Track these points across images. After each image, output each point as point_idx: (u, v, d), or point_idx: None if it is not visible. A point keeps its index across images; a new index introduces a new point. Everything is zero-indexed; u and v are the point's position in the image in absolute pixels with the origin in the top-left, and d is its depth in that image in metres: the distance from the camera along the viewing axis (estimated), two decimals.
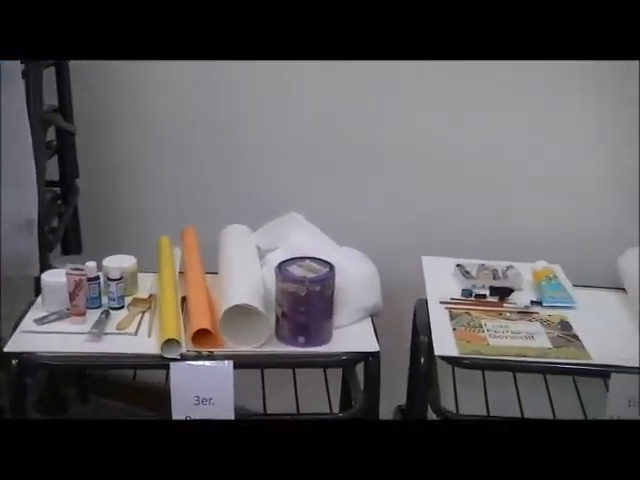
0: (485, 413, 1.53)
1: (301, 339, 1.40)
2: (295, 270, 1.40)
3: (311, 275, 1.38)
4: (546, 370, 1.44)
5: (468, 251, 1.81)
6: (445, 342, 1.45)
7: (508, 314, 1.55)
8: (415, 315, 1.61)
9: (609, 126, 1.81)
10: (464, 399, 1.52)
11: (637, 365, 1.43)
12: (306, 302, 1.37)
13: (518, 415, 1.53)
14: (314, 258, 1.44)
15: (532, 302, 1.60)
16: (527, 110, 1.82)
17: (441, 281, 1.69)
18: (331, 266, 1.41)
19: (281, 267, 1.40)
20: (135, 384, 1.61)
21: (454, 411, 1.48)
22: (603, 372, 1.43)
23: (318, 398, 1.57)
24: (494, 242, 1.88)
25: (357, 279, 1.50)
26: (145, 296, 1.57)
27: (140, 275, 1.62)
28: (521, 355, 1.41)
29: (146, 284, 1.60)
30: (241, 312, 1.35)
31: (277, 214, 1.70)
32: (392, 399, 1.75)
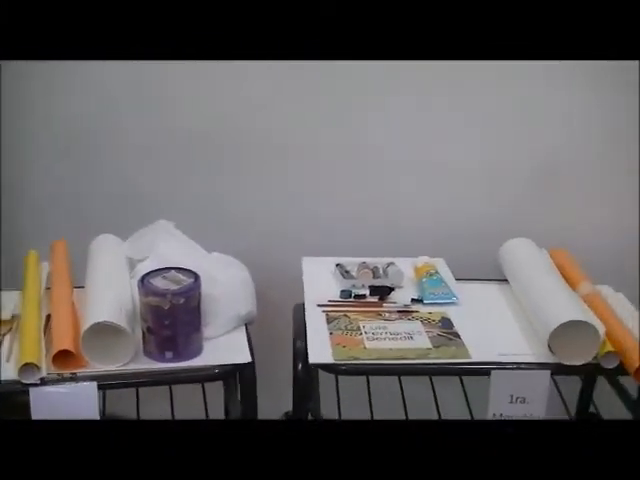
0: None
1: (168, 354, 1.36)
2: (158, 282, 1.35)
3: (174, 287, 1.34)
4: (426, 372, 1.43)
5: (355, 249, 1.80)
6: (320, 348, 1.41)
7: (387, 314, 1.53)
8: (293, 320, 1.56)
9: (491, 125, 1.84)
10: (354, 402, 1.54)
11: (517, 361, 1.44)
12: (171, 316, 1.33)
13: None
14: (179, 268, 1.39)
15: (413, 300, 1.59)
16: (413, 110, 1.81)
17: (321, 283, 1.65)
18: (196, 276, 1.37)
19: (144, 280, 1.36)
20: None
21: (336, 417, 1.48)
22: (483, 370, 1.40)
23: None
24: (382, 238, 1.84)
25: (227, 287, 1.46)
26: (8, 317, 1.49)
27: (5, 294, 1.54)
28: (400, 357, 1.39)
29: (9, 304, 1.52)
30: (103, 330, 1.31)
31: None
32: (283, 406, 1.73)
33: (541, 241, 1.78)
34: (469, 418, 1.52)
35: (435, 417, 1.54)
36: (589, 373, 1.55)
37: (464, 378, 1.55)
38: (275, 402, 1.56)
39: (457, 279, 1.72)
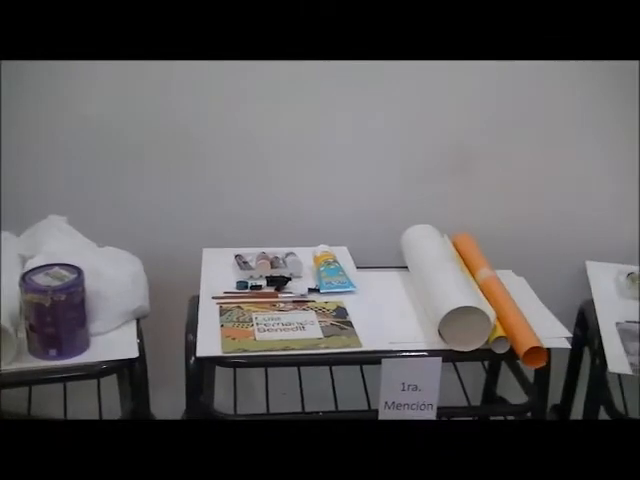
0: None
1: (52, 352, 1.36)
2: (40, 279, 1.35)
3: (56, 283, 1.33)
4: (315, 362, 1.43)
5: (259, 240, 1.83)
6: (210, 341, 1.41)
7: (282, 305, 1.54)
8: (187, 313, 1.56)
9: (398, 112, 1.85)
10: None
11: (409, 348, 1.47)
12: (52, 313, 1.33)
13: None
14: (63, 264, 1.39)
15: (310, 289, 1.59)
16: (316, 98, 1.83)
17: (220, 274, 1.65)
18: (79, 272, 1.37)
19: (25, 277, 1.35)
20: None
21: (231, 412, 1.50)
22: (374, 359, 1.41)
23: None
24: (286, 228, 1.86)
25: (116, 282, 1.46)
26: None
27: None
28: (288, 348, 1.39)
29: None
30: None
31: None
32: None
33: (449, 228, 1.82)
34: (366, 408, 1.51)
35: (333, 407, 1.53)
36: (479, 358, 1.55)
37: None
38: (179, 397, 1.56)
39: (361, 267, 1.70)
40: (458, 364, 1.62)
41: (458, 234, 1.79)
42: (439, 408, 1.47)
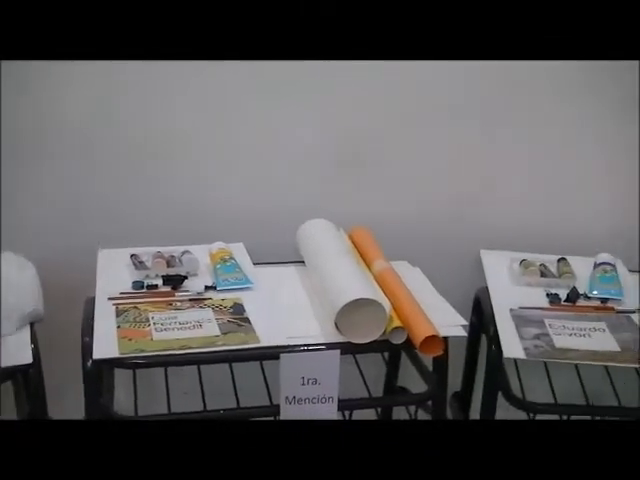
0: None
1: None
2: None
3: None
4: (213, 359, 1.44)
5: (157, 238, 1.82)
6: (107, 343, 1.41)
7: (179, 303, 1.54)
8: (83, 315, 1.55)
9: (294, 108, 1.87)
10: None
11: (306, 342, 1.49)
12: None
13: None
14: None
15: (206, 287, 1.60)
16: (218, 95, 1.83)
17: (116, 275, 1.64)
18: None
19: None
20: None
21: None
22: (272, 354, 1.43)
23: None
24: (185, 226, 1.86)
25: (8, 286, 1.43)
26: None
27: None
28: (185, 347, 1.39)
29: None
30: None
31: None
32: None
33: (344, 221, 1.85)
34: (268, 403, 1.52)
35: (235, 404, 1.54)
36: (377, 350, 1.58)
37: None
38: (79, 401, 1.55)
39: (258, 263, 1.71)
40: (358, 356, 1.63)
41: (354, 227, 1.79)
42: (340, 401, 1.49)
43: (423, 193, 1.95)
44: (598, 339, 1.55)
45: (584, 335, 1.56)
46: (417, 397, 1.62)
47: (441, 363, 1.58)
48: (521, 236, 1.93)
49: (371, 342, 1.49)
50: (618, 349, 1.52)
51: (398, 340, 1.47)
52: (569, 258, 1.83)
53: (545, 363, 1.66)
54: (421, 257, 1.82)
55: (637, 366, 1.52)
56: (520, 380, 1.68)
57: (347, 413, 1.54)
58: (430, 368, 1.60)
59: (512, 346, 1.51)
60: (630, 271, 1.84)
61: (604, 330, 1.58)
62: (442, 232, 1.96)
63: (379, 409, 1.76)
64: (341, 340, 1.49)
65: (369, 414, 1.71)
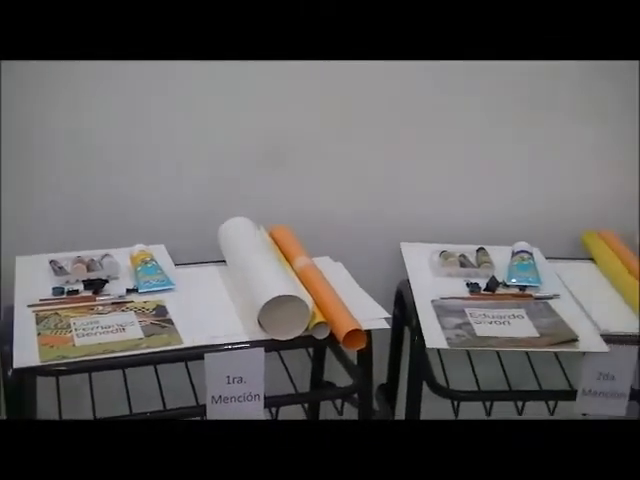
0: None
1: None
2: None
3: None
4: (137, 362, 1.45)
5: (77, 243, 1.82)
6: (27, 351, 1.41)
7: (101, 308, 1.55)
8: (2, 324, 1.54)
9: (219, 106, 1.87)
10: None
11: (230, 341, 1.50)
12: None
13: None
14: None
15: (128, 290, 1.60)
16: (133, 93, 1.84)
17: (35, 282, 1.64)
18: None
19: None
20: None
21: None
22: (197, 354, 1.47)
23: None
24: (107, 229, 1.86)
25: None
26: None
27: None
28: (108, 351, 1.40)
29: None
30: None
31: None
32: None
33: (265, 220, 1.87)
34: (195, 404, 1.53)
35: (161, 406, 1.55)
36: (301, 346, 1.60)
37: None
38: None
39: (180, 264, 1.72)
40: (284, 353, 1.65)
41: (274, 226, 1.82)
42: (267, 398, 1.52)
43: (342, 190, 1.98)
44: (517, 326, 1.60)
45: (504, 323, 1.60)
46: (342, 391, 1.64)
47: (365, 356, 1.61)
48: (441, 228, 1.97)
49: (295, 338, 1.51)
50: (537, 335, 1.57)
51: (321, 335, 1.50)
52: (488, 248, 1.86)
53: (468, 352, 1.70)
54: (343, 253, 1.85)
55: (555, 350, 1.55)
56: (444, 369, 1.72)
57: (274, 410, 1.54)
58: (355, 362, 1.61)
59: (434, 336, 1.54)
60: (547, 258, 1.87)
61: (523, 317, 1.62)
62: (363, 227, 1.99)
63: (306, 405, 1.76)
64: (265, 337, 1.50)
65: (296, 410, 1.72)
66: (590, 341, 1.57)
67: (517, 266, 1.77)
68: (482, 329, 1.57)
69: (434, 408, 1.67)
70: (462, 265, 1.78)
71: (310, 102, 1.89)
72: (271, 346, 1.51)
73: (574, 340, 1.56)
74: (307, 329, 1.51)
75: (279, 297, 1.46)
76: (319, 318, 1.49)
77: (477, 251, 1.85)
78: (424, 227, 1.97)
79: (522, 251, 1.82)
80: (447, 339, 1.53)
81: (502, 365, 1.72)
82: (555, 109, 1.96)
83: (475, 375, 1.71)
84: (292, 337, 1.50)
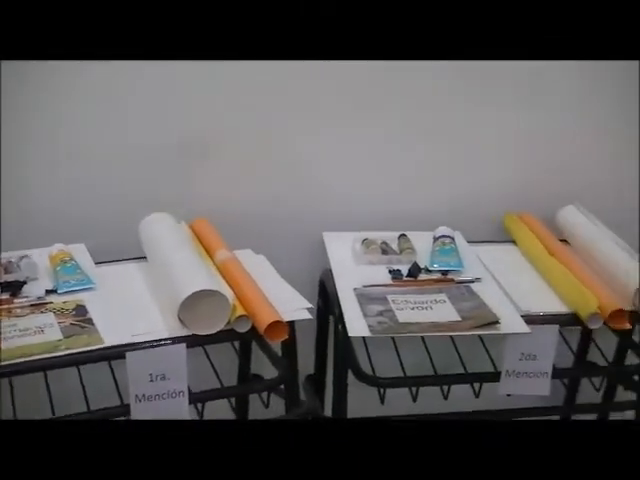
0: None
1: None
2: None
3: None
4: (57, 364, 1.44)
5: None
6: None
7: (19, 310, 1.52)
8: None
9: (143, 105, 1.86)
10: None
11: (152, 339, 1.49)
12: None
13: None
14: None
15: (47, 291, 1.59)
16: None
17: None
18: None
19: None
20: None
21: None
22: (118, 353, 1.47)
23: None
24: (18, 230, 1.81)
25: None
26: None
27: None
28: (27, 355, 1.38)
29: None
30: None
31: None
32: None
33: (186, 214, 1.88)
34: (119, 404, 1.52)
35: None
36: (223, 340, 1.60)
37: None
38: None
39: (100, 262, 1.71)
40: (210, 348, 1.66)
41: (195, 220, 1.82)
42: (192, 394, 1.52)
43: (263, 182, 1.98)
44: (439, 310, 1.61)
45: (426, 308, 1.62)
46: (268, 383, 1.64)
47: (289, 347, 1.63)
48: (363, 216, 1.98)
49: (217, 332, 1.51)
50: (459, 318, 1.59)
51: (243, 328, 1.50)
52: (410, 234, 1.87)
53: (393, 338, 1.71)
54: (266, 245, 1.86)
55: (477, 333, 1.57)
56: (370, 357, 1.73)
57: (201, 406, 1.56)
58: (280, 353, 1.61)
59: (356, 325, 1.55)
60: (469, 242, 1.89)
61: (445, 301, 1.64)
62: (285, 219, 1.99)
63: (233, 400, 1.76)
64: (186, 333, 1.50)
65: (224, 405, 1.72)
66: (511, 322, 1.59)
67: (439, 251, 1.79)
68: (404, 315, 1.58)
69: (363, 395, 1.67)
70: (384, 252, 1.80)
71: (228, 96, 1.89)
72: (193, 341, 1.52)
73: (496, 322, 1.57)
74: (229, 323, 1.50)
75: (198, 292, 1.46)
76: (240, 311, 1.50)
77: (399, 238, 1.86)
78: (347, 216, 1.98)
79: (443, 236, 1.83)
80: (369, 327, 1.54)
81: (427, 350, 1.74)
82: (474, 94, 1.99)
83: (401, 361, 1.72)
84: (214, 331, 1.50)
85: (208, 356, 1.68)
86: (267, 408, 1.65)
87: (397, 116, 1.97)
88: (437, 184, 2.05)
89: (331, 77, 1.89)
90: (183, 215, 1.86)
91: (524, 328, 1.57)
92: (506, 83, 1.98)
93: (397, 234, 1.88)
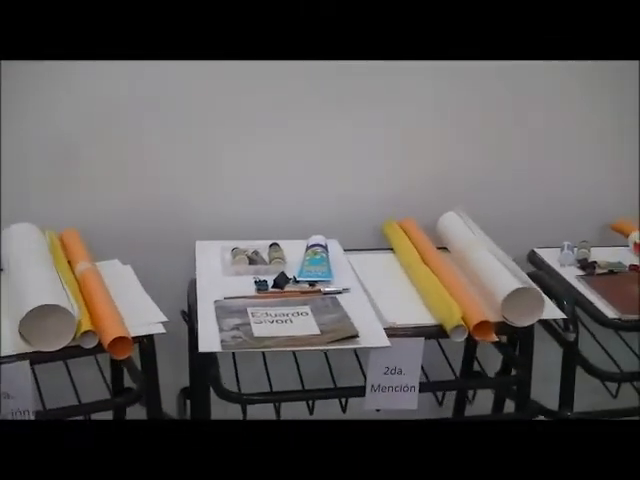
0: None
1: None
2: None
3: None
4: None
5: None
6: None
7: None
8: None
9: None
10: None
11: None
12: None
13: None
14: None
15: None
16: None
17: None
18: None
19: None
20: None
21: None
22: None
23: None
24: None
25: None
26: None
27: None
28: None
29: None
30: None
31: None
32: None
33: (60, 224, 1.85)
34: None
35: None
36: (69, 356, 1.57)
37: None
38: None
39: None
40: (82, 363, 1.63)
41: (65, 230, 1.84)
42: (47, 411, 1.52)
43: (136, 191, 1.95)
44: (299, 324, 1.59)
45: (285, 321, 1.59)
46: (123, 399, 1.63)
47: (148, 360, 1.62)
48: (244, 223, 1.96)
49: (63, 349, 1.48)
50: (318, 332, 1.56)
51: (89, 344, 1.47)
52: (286, 242, 1.83)
53: (263, 353, 1.67)
54: (136, 255, 1.84)
55: (334, 348, 1.54)
56: (237, 372, 1.71)
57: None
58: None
59: (209, 339, 1.53)
60: (347, 250, 1.86)
61: (307, 313, 1.62)
62: (158, 228, 1.97)
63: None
64: (31, 349, 1.46)
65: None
66: (372, 336, 1.57)
67: (309, 261, 1.77)
68: (261, 329, 1.56)
69: (231, 408, 1.65)
70: (251, 262, 1.76)
71: (99, 101, 1.87)
72: (38, 358, 1.47)
73: (354, 336, 1.53)
74: (75, 339, 1.44)
75: (41, 307, 1.43)
76: (86, 327, 1.45)
77: (270, 247, 1.82)
78: (225, 224, 1.92)
79: (315, 245, 1.80)
80: (222, 342, 1.51)
81: (297, 363, 1.71)
82: (359, 97, 1.97)
83: (268, 375, 1.70)
84: (58, 348, 1.45)
85: (70, 373, 1.65)
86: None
87: (270, 118, 1.95)
88: (322, 191, 2.03)
89: (214, 83, 1.90)
90: (54, 225, 1.83)
91: (384, 342, 1.55)
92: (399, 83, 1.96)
93: (269, 242, 1.83)
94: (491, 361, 1.98)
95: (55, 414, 1.54)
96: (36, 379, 1.58)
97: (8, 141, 1.82)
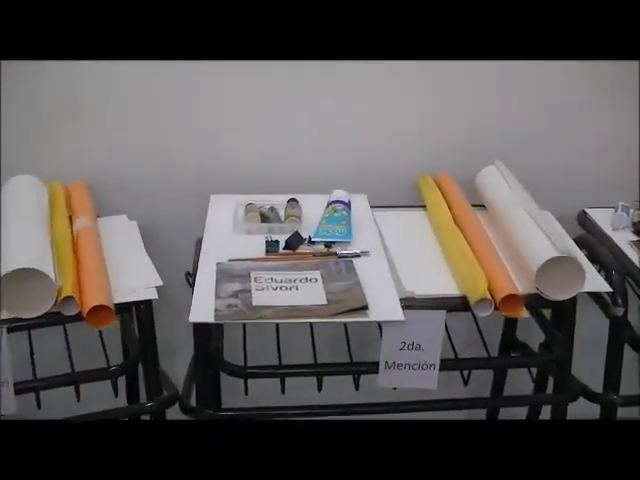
0: None
1: None
2: None
3: None
4: None
5: None
6: None
7: None
8: None
9: None
10: None
11: None
12: None
13: None
14: None
15: None
16: None
17: None
18: None
19: None
20: None
21: None
22: None
23: None
24: None
25: None
26: None
27: None
28: None
29: None
30: None
31: None
32: None
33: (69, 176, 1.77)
34: None
35: None
36: (52, 323, 1.46)
37: None
38: None
39: None
40: (51, 330, 1.51)
41: (73, 183, 1.74)
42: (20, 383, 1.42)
43: (152, 143, 1.84)
44: (305, 291, 1.46)
45: (291, 288, 1.46)
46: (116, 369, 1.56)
47: (145, 328, 1.52)
48: (257, 176, 1.85)
49: (43, 315, 1.39)
50: (324, 302, 1.42)
51: (70, 311, 1.37)
52: (305, 197, 1.68)
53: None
54: (148, 210, 1.78)
55: (340, 320, 1.39)
56: (245, 343, 1.63)
57: None
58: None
59: (202, 308, 1.40)
60: (374, 207, 1.69)
61: (316, 280, 1.47)
62: (174, 180, 1.86)
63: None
64: (8, 316, 1.38)
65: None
66: (385, 308, 1.41)
67: (327, 219, 1.61)
68: (261, 297, 1.42)
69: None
70: (265, 219, 1.60)
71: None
72: (17, 326, 1.39)
73: (364, 308, 1.37)
74: (56, 304, 1.33)
75: (19, 270, 1.32)
76: (67, 292, 1.33)
77: (288, 202, 1.66)
78: (244, 176, 1.81)
79: (337, 201, 1.62)
80: (216, 311, 1.37)
81: (312, 335, 1.57)
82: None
83: (279, 346, 1.60)
84: (38, 314, 1.36)
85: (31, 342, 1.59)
86: (116, 398, 1.50)
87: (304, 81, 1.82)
88: (349, 142, 1.87)
89: None
90: (63, 176, 1.75)
91: (397, 315, 1.39)
92: None
93: (287, 197, 1.67)
94: (537, 336, 1.76)
95: (40, 384, 1.47)
96: (31, 345, 1.56)
97: (21, 91, 1.75)
